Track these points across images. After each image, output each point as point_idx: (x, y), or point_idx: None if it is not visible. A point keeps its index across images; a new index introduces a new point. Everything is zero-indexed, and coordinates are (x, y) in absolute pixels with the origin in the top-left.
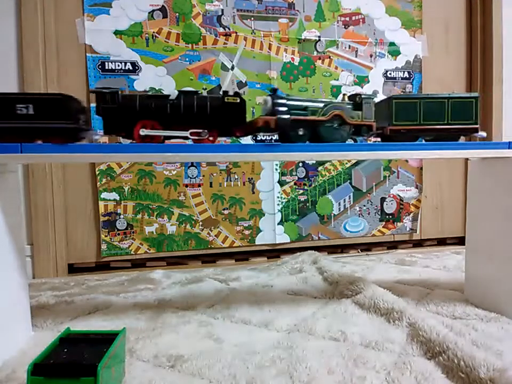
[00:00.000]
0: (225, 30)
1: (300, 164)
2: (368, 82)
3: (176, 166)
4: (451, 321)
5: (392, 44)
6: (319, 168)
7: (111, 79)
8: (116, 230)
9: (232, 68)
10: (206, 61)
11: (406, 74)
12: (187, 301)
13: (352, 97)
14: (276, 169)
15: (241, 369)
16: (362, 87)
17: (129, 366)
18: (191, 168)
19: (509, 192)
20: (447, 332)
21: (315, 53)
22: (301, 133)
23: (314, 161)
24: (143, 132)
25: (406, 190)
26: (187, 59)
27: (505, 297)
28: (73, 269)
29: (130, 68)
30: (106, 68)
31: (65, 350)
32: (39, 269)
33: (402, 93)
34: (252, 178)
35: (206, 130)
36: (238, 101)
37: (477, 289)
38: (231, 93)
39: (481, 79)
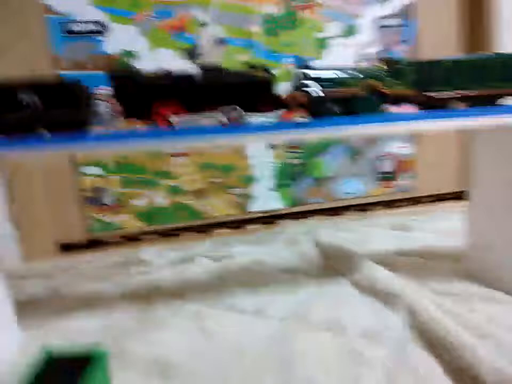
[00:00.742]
0: None
1: None
2: (357, 33)
3: None
4: (453, 305)
5: None
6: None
7: (77, 43)
8: (104, 205)
9: (209, 23)
10: (179, 17)
11: (400, 21)
12: (178, 289)
13: (389, 62)
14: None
15: (235, 371)
16: (349, 38)
17: (116, 372)
18: None
19: None
20: (450, 325)
21: (299, 2)
22: (334, 108)
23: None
24: (172, 119)
25: (403, 147)
26: (158, 15)
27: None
28: (65, 248)
29: (98, 29)
30: (70, 29)
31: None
32: (29, 252)
33: (398, 44)
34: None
35: (239, 108)
36: (266, 76)
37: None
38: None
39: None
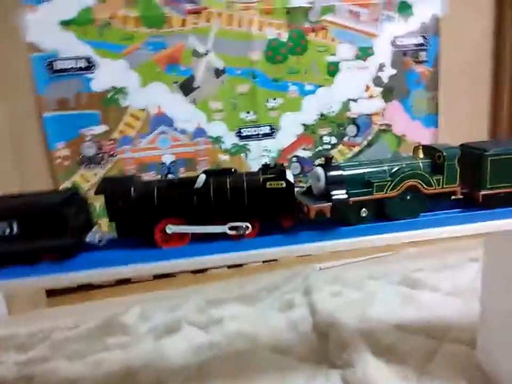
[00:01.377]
0: (193, 6)
1: (294, 159)
2: (373, 54)
3: (152, 175)
4: None
5: (403, 2)
6: (316, 162)
7: (64, 81)
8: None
9: (207, 53)
10: (173, 48)
11: (420, 40)
12: (156, 374)
13: (428, 150)
14: None
15: None
16: (365, 61)
17: None
18: (168, 176)
19: None
20: None
21: (307, 24)
22: (363, 214)
23: (310, 155)
24: (169, 229)
25: None
26: (151, 47)
27: None
28: (50, 293)
29: (85, 65)
30: (56, 68)
31: None
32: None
33: (417, 65)
34: None
35: (246, 224)
36: (284, 185)
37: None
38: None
39: (511, 41)
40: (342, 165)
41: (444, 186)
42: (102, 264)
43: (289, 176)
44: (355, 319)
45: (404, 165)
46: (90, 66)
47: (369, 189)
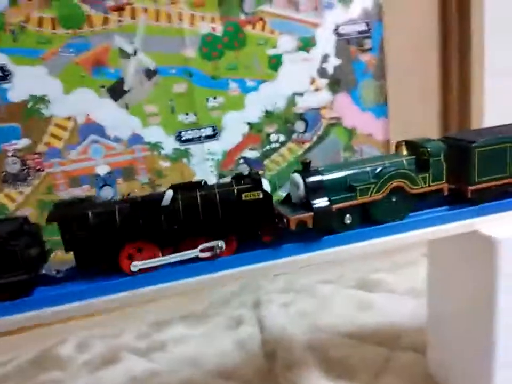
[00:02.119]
0: (116, 2)
1: (241, 161)
2: (316, 44)
3: (85, 188)
4: None
5: None
6: (265, 162)
7: None
8: None
9: (135, 53)
10: (98, 49)
11: (364, 27)
12: None
13: (412, 146)
14: (212, 171)
15: None
16: (308, 52)
17: None
18: (104, 187)
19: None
20: None
21: (242, 16)
22: (348, 221)
23: (258, 155)
24: (135, 267)
25: None
26: (72, 50)
27: None
28: None
29: None
30: None
31: None
32: None
33: (362, 53)
34: None
35: (221, 242)
36: (261, 196)
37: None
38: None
39: (457, 24)
40: (321, 169)
41: (431, 184)
42: (64, 299)
43: (266, 185)
44: (306, 331)
45: (387, 164)
46: (5, 75)
47: (352, 194)
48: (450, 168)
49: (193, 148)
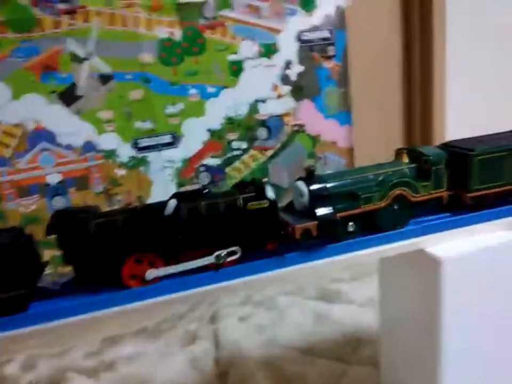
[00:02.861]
0: (67, 5)
1: (202, 168)
2: (278, 51)
3: (35, 198)
4: None
5: None
6: (227, 170)
7: None
8: None
9: (88, 57)
10: (48, 53)
11: (327, 34)
12: None
13: (413, 154)
14: (172, 180)
15: None
16: (270, 58)
17: None
18: (56, 197)
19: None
20: None
21: (202, 20)
22: (351, 229)
23: (219, 162)
24: (150, 274)
25: None
26: (21, 54)
27: None
28: None
29: None
30: None
31: None
32: None
33: (326, 60)
34: (141, 197)
35: (225, 252)
36: (267, 205)
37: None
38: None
39: (420, 32)
40: (324, 176)
41: (431, 192)
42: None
43: (270, 193)
44: (262, 346)
45: (390, 173)
46: None
47: (356, 202)
48: (451, 175)
49: (151, 155)
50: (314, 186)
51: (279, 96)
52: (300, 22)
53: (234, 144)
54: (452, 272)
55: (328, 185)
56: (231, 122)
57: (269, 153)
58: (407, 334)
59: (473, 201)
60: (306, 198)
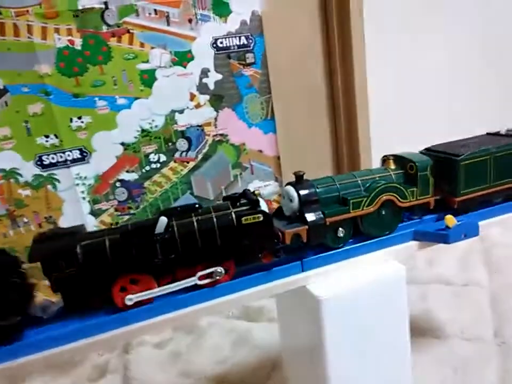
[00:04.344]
0: None
1: (118, 184)
2: (193, 59)
3: None
4: None
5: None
6: (145, 184)
7: None
8: None
9: None
10: None
11: (244, 40)
12: None
13: (399, 161)
14: (84, 198)
15: None
16: (185, 67)
17: None
18: None
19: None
20: None
21: (104, 27)
22: (341, 234)
23: (137, 177)
24: (130, 300)
25: (264, 186)
26: None
27: None
28: None
29: None
30: None
31: None
32: None
33: (245, 68)
34: (50, 217)
35: (220, 268)
36: (261, 218)
37: None
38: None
39: (339, 34)
40: (313, 181)
41: (418, 198)
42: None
43: (263, 206)
44: (176, 376)
45: (377, 178)
46: None
47: (346, 207)
48: (436, 180)
49: (58, 172)
50: (304, 191)
51: (198, 106)
52: (214, 28)
53: (152, 157)
54: (332, 310)
55: (318, 190)
56: (146, 135)
57: (191, 165)
58: (301, 364)
59: (461, 205)
60: (296, 203)
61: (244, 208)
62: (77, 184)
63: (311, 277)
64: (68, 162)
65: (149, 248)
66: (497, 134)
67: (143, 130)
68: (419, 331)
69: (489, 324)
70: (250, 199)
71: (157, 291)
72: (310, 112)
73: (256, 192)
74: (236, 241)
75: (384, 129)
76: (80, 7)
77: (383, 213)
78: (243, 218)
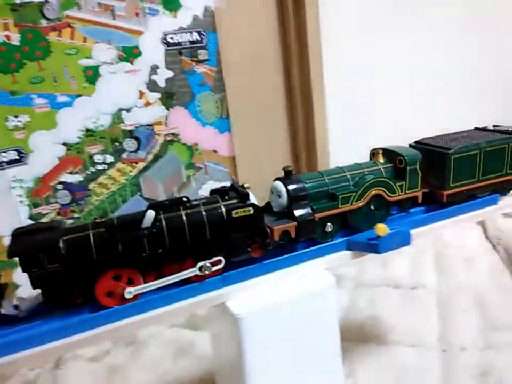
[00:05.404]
0: None
1: (60, 186)
2: (141, 54)
3: None
4: None
5: None
6: (90, 186)
7: None
8: None
9: None
10: None
11: (196, 36)
12: None
13: (389, 154)
14: (21, 201)
15: None
16: (132, 63)
17: None
18: None
19: None
20: None
21: (44, 22)
22: (329, 229)
23: (81, 179)
24: (129, 293)
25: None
26: None
27: None
28: None
29: None
30: None
31: None
32: None
33: (198, 65)
34: None
35: (208, 263)
36: (252, 212)
37: None
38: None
39: (295, 30)
40: (302, 176)
41: (407, 192)
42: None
43: (253, 199)
44: None
45: (366, 172)
46: None
47: (335, 202)
48: (425, 173)
49: None
50: (293, 186)
51: (147, 104)
52: (163, 23)
53: (98, 158)
54: (252, 328)
55: (307, 185)
56: (91, 134)
57: (141, 165)
58: (228, 379)
59: (450, 199)
60: (284, 199)
61: (234, 201)
62: (13, 187)
63: (232, 293)
64: (4, 164)
65: (136, 242)
66: (484, 129)
67: (87, 130)
68: (363, 338)
69: (434, 329)
70: (240, 192)
71: (156, 283)
72: (266, 110)
73: (245, 185)
74: (226, 235)
75: (341, 126)
76: (18, 1)
77: (372, 207)
78: (233, 212)
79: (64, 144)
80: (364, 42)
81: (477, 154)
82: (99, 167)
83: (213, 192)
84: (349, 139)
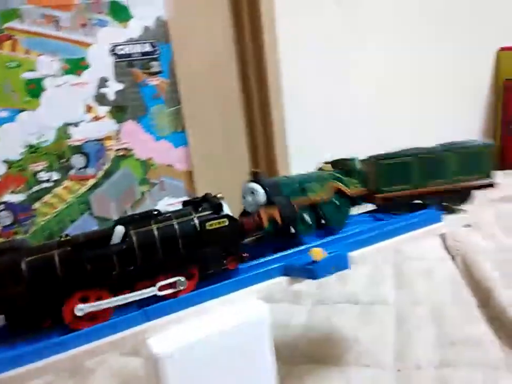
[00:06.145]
0: None
1: (1, 207)
2: (88, 67)
3: None
4: None
5: (115, 3)
6: (35, 206)
7: None
8: None
9: None
10: None
11: (148, 48)
12: None
13: (338, 164)
14: None
15: None
16: (80, 75)
17: None
18: None
19: None
20: None
21: None
22: (307, 220)
23: (24, 198)
24: (80, 310)
25: (176, 203)
26: None
27: None
28: None
29: None
30: None
31: None
32: None
33: (150, 77)
34: None
35: (182, 278)
36: (227, 223)
37: None
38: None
39: (252, 38)
40: (269, 179)
41: (362, 190)
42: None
43: (226, 209)
44: None
45: (324, 173)
46: None
47: (304, 193)
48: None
49: None
50: (267, 181)
51: (96, 118)
52: (112, 34)
53: (42, 176)
54: (173, 367)
55: (279, 181)
56: (34, 151)
57: (90, 182)
58: None
59: (383, 204)
60: (260, 195)
61: (207, 213)
62: None
63: (154, 328)
64: None
65: (105, 260)
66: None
67: (30, 146)
68: (319, 359)
69: (390, 347)
70: (213, 203)
71: (109, 302)
72: (224, 122)
73: (218, 195)
74: (199, 248)
75: (301, 137)
76: None
77: (336, 201)
78: (207, 224)
79: (5, 161)
80: (322, 46)
81: (410, 161)
82: (44, 185)
83: (185, 203)
84: (308, 147)
